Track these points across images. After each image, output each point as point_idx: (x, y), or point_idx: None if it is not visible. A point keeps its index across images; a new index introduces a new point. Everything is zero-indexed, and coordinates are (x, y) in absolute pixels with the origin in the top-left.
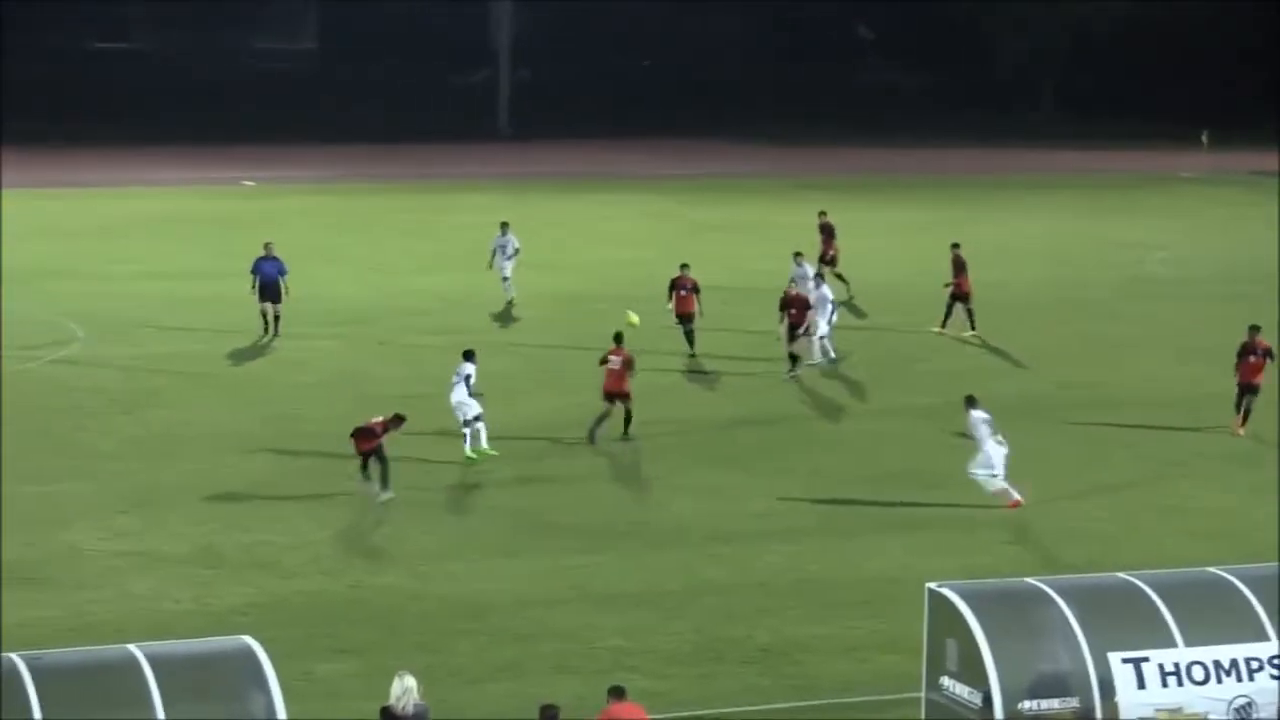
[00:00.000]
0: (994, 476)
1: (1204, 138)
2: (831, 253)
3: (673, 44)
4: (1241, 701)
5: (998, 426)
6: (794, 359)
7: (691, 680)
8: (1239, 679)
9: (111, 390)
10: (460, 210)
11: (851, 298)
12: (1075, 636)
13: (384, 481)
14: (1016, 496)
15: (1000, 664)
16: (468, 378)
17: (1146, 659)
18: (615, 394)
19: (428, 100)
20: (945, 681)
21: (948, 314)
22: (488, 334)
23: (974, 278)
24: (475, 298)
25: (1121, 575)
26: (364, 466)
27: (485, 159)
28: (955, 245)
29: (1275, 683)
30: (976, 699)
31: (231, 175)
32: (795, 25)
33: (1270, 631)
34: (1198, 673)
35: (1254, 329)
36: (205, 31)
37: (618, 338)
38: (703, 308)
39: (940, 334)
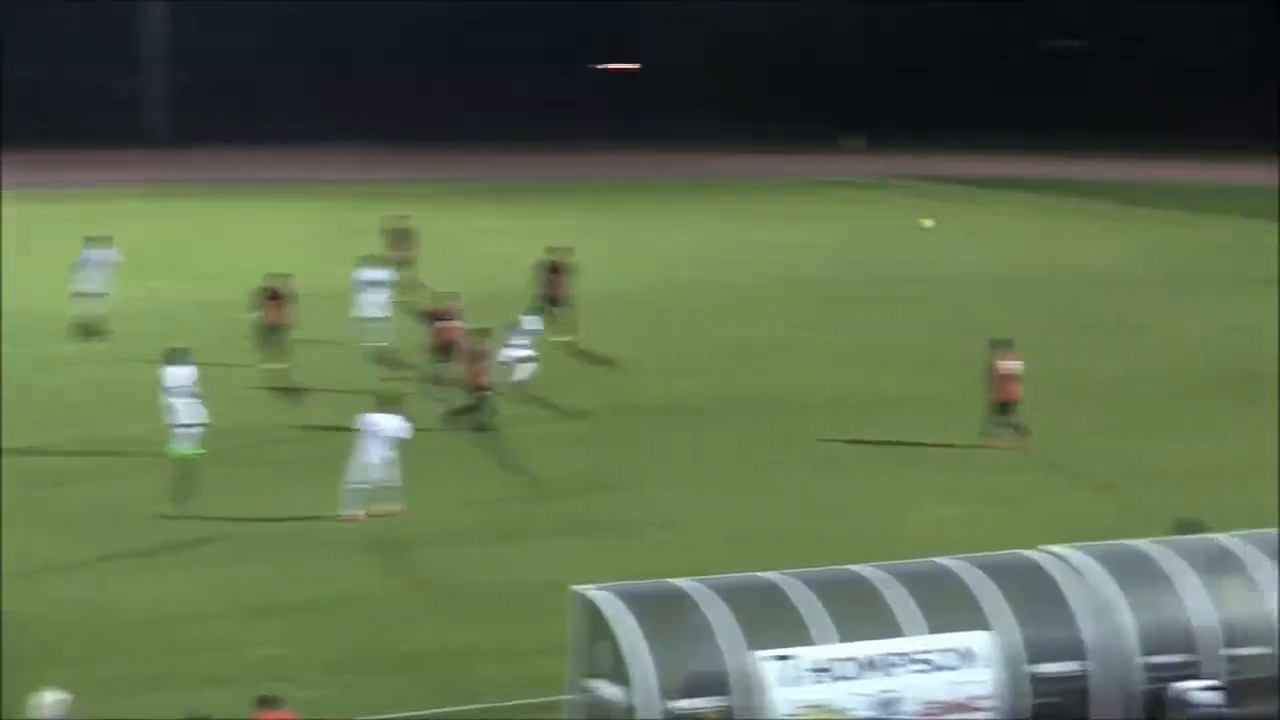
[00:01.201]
0: (362, 486)
1: (849, 142)
2: (407, 256)
3: (340, 50)
4: (886, 696)
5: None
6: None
7: (346, 688)
8: (885, 674)
9: None
10: (110, 220)
11: (410, 305)
12: (725, 635)
13: None
14: (358, 513)
15: (649, 664)
16: (186, 386)
17: (794, 656)
18: None
19: (79, 104)
20: (595, 683)
21: (554, 319)
22: (129, 344)
23: (627, 282)
24: (116, 309)
25: (769, 574)
26: None
27: (139, 165)
28: (551, 250)
29: (918, 677)
30: (626, 699)
31: None
32: (459, 32)
33: (912, 627)
34: (844, 669)
35: (1001, 343)
36: None
37: None
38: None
39: (573, 341)
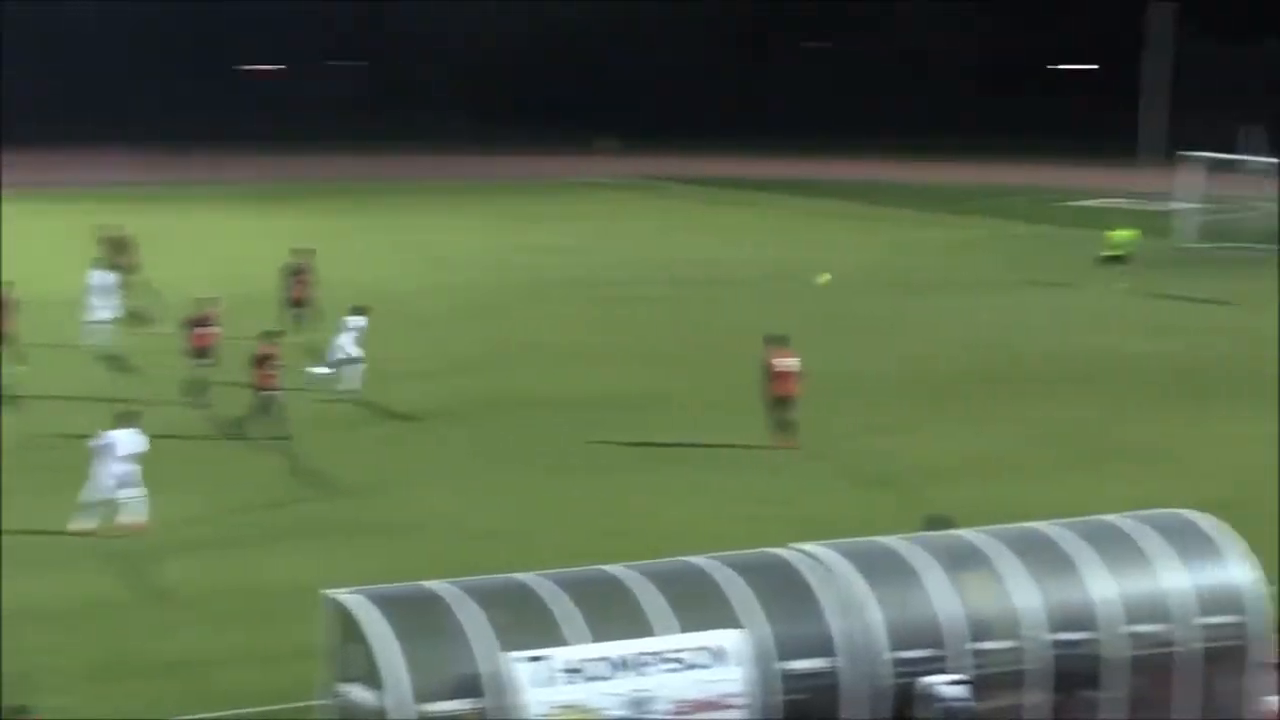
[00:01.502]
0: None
1: (602, 143)
2: (127, 262)
3: (100, 53)
4: (639, 696)
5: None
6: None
7: (96, 697)
8: (637, 673)
9: None
10: None
11: (138, 311)
12: (477, 637)
13: None
14: (92, 525)
15: (401, 667)
16: None
17: (547, 657)
18: None
19: None
20: (348, 688)
21: (296, 320)
22: None
23: (385, 284)
24: None
25: (522, 575)
26: None
27: None
28: (295, 252)
29: (670, 676)
30: (379, 703)
31: None
32: (224, 33)
33: (663, 626)
34: (596, 669)
35: (776, 339)
36: None
37: None
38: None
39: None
